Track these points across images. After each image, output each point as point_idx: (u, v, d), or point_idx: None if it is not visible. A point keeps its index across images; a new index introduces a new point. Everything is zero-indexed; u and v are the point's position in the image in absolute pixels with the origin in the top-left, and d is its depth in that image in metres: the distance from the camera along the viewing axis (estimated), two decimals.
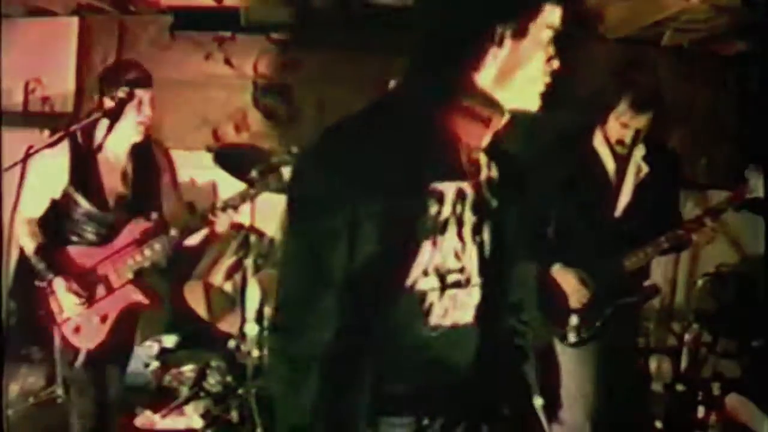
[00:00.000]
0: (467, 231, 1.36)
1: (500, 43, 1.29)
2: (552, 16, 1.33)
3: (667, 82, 4.41)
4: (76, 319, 2.70)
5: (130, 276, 2.69)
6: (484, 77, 1.32)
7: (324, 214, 1.28)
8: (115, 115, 2.62)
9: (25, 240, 2.73)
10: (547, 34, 1.34)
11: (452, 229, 1.34)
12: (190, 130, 4.32)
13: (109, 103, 2.65)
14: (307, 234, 1.31)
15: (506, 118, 1.39)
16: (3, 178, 2.11)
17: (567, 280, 2.79)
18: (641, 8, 3.77)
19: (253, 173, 3.34)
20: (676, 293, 4.41)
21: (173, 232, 2.67)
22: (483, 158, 1.40)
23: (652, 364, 3.79)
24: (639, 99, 2.68)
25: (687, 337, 3.91)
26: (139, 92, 2.67)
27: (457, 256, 1.35)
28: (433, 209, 1.31)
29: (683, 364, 3.83)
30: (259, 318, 3.43)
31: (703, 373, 3.78)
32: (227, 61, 4.41)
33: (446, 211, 1.33)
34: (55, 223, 2.74)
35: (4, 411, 2.22)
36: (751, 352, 3.64)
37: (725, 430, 3.32)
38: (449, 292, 1.35)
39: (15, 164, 2.29)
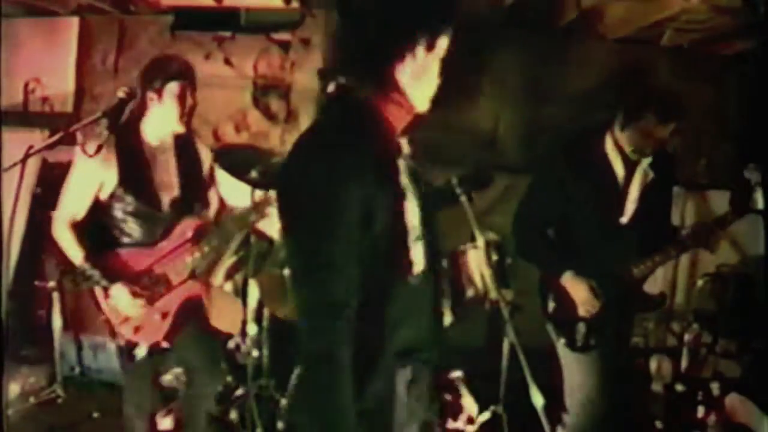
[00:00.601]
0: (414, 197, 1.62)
1: (415, 52, 1.58)
2: (444, 42, 1.62)
3: (667, 82, 4.42)
4: (136, 319, 2.68)
5: (188, 273, 2.72)
6: (403, 75, 1.59)
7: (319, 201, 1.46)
8: (116, 115, 2.59)
9: (71, 250, 2.66)
10: (441, 54, 1.63)
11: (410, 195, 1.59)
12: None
13: (152, 96, 2.65)
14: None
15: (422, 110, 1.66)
16: (3, 178, 2.11)
17: (577, 289, 2.76)
18: (641, 8, 3.77)
19: (253, 173, 3.35)
20: (676, 293, 4.40)
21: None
22: (403, 140, 1.67)
23: (652, 364, 3.79)
24: (664, 110, 2.66)
25: (687, 337, 3.91)
26: (183, 84, 2.67)
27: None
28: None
29: (683, 364, 3.83)
30: (259, 318, 3.43)
31: (703, 373, 3.78)
32: (227, 61, 4.41)
33: (404, 180, 1.59)
34: (99, 226, 2.70)
35: (4, 411, 2.20)
36: (751, 352, 3.64)
37: (725, 430, 3.32)
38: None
39: (15, 164, 2.29)
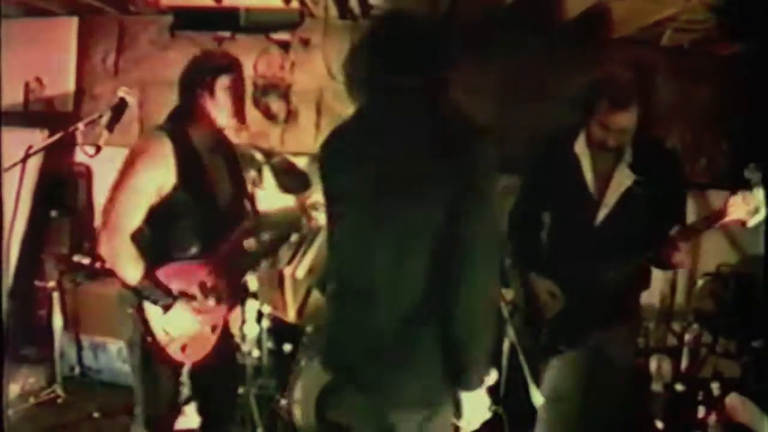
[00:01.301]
0: None
1: None
2: None
3: (667, 82, 4.42)
4: (184, 337, 2.46)
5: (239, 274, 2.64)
6: None
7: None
8: (116, 115, 2.53)
9: (129, 267, 2.36)
10: None
11: None
12: None
13: (202, 92, 2.50)
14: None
15: None
16: (3, 178, 2.11)
17: (539, 290, 2.70)
18: (641, 8, 3.77)
19: (252, 172, 3.35)
20: (676, 293, 4.41)
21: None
22: None
23: (652, 364, 3.78)
24: (617, 95, 2.46)
25: (687, 337, 3.91)
26: (233, 77, 2.54)
27: None
28: None
29: (683, 364, 3.83)
30: (259, 318, 3.44)
31: (703, 373, 3.78)
32: None
33: None
34: (156, 238, 2.43)
35: (4, 411, 2.18)
36: (751, 352, 3.64)
37: (725, 430, 3.32)
38: None
39: (15, 164, 2.29)
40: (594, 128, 2.54)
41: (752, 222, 2.31)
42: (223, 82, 2.52)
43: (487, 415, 1.94)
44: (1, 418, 2.18)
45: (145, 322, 2.40)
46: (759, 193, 2.29)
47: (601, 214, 2.60)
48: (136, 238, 2.36)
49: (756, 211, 2.28)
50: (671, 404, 3.60)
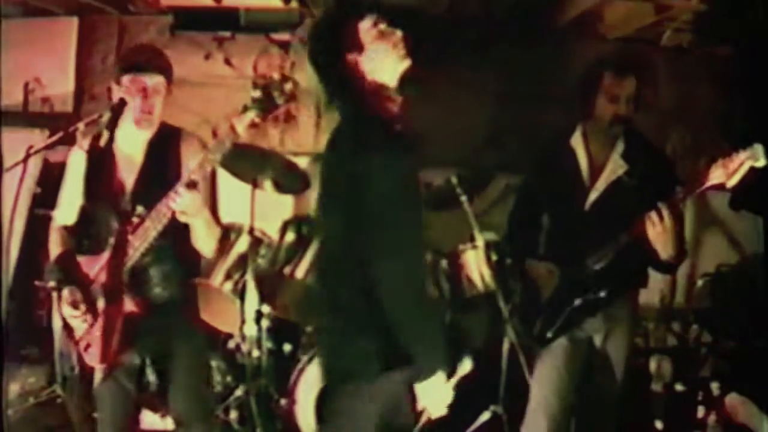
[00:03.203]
0: None
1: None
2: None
3: (667, 82, 4.43)
4: (86, 336, 2.46)
5: (126, 280, 2.40)
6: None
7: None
8: (117, 114, 2.47)
9: (52, 247, 2.56)
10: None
11: None
12: (190, 130, 4.31)
13: (117, 91, 2.44)
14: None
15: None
16: (3, 178, 2.11)
17: (535, 270, 2.80)
18: (641, 8, 3.77)
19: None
20: (676, 293, 4.41)
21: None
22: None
23: (652, 364, 3.78)
24: (620, 63, 2.69)
25: (687, 337, 3.91)
26: (146, 79, 2.45)
27: None
28: None
29: (683, 364, 3.83)
30: (259, 318, 3.43)
31: (703, 373, 3.79)
32: (227, 61, 4.41)
33: None
34: (83, 232, 2.53)
35: (4, 411, 2.18)
36: (751, 352, 3.64)
37: (725, 430, 3.32)
38: None
39: (15, 164, 2.29)
40: (605, 106, 2.68)
41: (731, 182, 2.39)
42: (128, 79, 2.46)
43: (448, 399, 1.94)
44: (1, 418, 2.18)
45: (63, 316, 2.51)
46: (741, 154, 2.38)
47: (591, 197, 2.72)
48: (71, 229, 2.56)
49: (735, 171, 2.37)
50: (671, 404, 3.60)
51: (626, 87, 2.67)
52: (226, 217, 4.32)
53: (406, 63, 1.97)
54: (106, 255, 2.41)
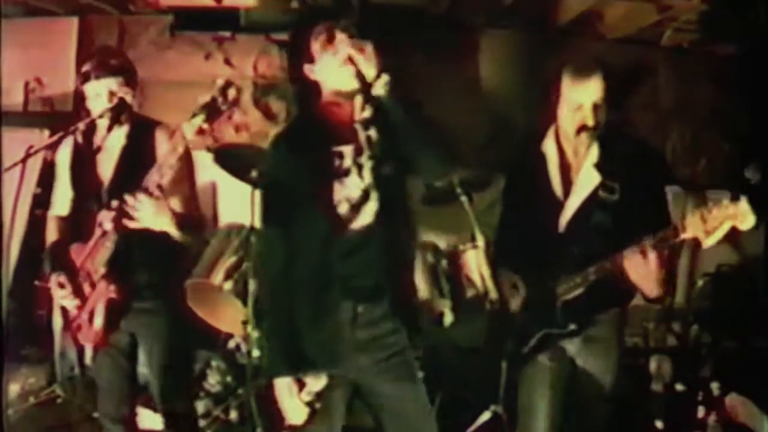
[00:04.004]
0: (366, 170, 2.07)
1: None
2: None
3: (667, 82, 4.43)
4: (77, 319, 2.63)
5: (104, 270, 2.53)
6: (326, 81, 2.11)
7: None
8: (117, 114, 2.55)
9: (48, 236, 2.72)
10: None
11: (354, 172, 2.06)
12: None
13: (91, 104, 2.58)
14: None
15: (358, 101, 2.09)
16: (3, 178, 2.11)
17: (503, 282, 2.60)
18: (641, 8, 3.77)
19: (253, 173, 3.35)
20: (676, 293, 4.40)
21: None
22: (358, 126, 2.10)
23: (652, 364, 3.78)
24: (577, 66, 2.33)
25: (687, 337, 3.91)
26: (107, 82, 2.55)
27: (358, 186, 2.06)
28: (337, 163, 2.06)
29: (683, 364, 3.83)
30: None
31: (703, 373, 3.78)
32: (227, 61, 4.41)
33: (347, 162, 2.06)
34: (75, 222, 2.68)
35: (4, 411, 2.20)
36: (751, 352, 3.64)
37: (725, 430, 3.32)
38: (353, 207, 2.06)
39: (15, 164, 2.29)
40: (569, 115, 2.35)
41: (707, 243, 2.13)
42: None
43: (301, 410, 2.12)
44: (1, 418, 2.19)
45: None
46: (722, 209, 2.11)
47: (564, 218, 2.40)
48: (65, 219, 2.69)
49: (715, 230, 2.11)
50: (671, 404, 3.60)
51: (590, 92, 2.29)
52: (226, 217, 4.36)
53: (371, 71, 1.98)
54: (90, 244, 2.56)
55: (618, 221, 2.31)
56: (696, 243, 2.17)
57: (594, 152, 2.37)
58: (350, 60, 1.98)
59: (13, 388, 3.80)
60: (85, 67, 2.60)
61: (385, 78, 1.98)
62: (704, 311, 4.02)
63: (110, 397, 2.73)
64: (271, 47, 4.43)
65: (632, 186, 2.33)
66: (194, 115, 2.35)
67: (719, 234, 2.11)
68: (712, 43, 4.14)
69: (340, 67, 2.01)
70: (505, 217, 2.69)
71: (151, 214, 2.44)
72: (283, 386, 2.08)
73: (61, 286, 2.57)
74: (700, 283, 4.17)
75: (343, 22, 2.07)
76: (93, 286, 2.57)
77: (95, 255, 2.55)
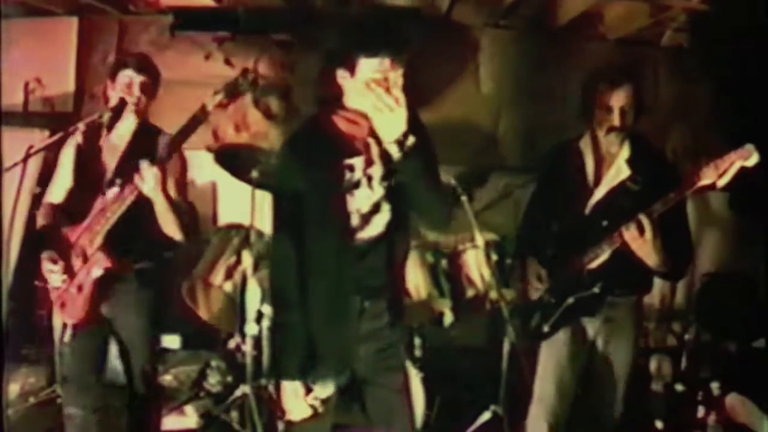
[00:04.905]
0: (376, 182, 2.11)
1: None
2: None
3: (667, 82, 4.43)
4: (62, 294, 2.74)
5: (101, 241, 2.66)
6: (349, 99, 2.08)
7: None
8: (117, 114, 2.61)
9: (39, 219, 2.85)
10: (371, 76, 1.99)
11: (364, 184, 2.10)
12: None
13: (111, 92, 2.74)
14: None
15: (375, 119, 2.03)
16: (3, 178, 2.11)
17: (529, 271, 2.84)
18: (641, 8, 3.77)
19: (253, 173, 3.35)
20: (676, 293, 4.41)
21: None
22: (371, 140, 2.10)
23: (652, 364, 3.79)
24: (613, 75, 2.67)
25: (687, 337, 3.91)
26: (132, 74, 2.74)
27: (369, 198, 2.11)
28: (348, 176, 2.09)
29: (683, 364, 3.83)
30: (259, 318, 3.43)
31: (703, 373, 3.79)
32: (227, 61, 4.41)
33: (357, 174, 2.09)
34: (69, 208, 2.81)
35: (4, 411, 2.21)
36: (751, 352, 3.64)
37: (725, 430, 3.32)
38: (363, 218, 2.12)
39: (15, 164, 2.29)
40: (600, 115, 2.68)
41: (721, 182, 2.42)
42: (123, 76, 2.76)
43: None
44: (1, 418, 2.19)
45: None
46: (732, 154, 2.40)
47: (592, 200, 2.71)
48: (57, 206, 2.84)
49: (725, 171, 2.40)
50: (671, 404, 3.60)
51: (619, 98, 2.64)
52: (226, 217, 4.36)
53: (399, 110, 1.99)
54: (86, 222, 2.69)
55: (638, 205, 2.56)
56: (707, 190, 2.49)
57: (626, 150, 2.70)
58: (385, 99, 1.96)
59: (13, 388, 3.80)
60: (127, 58, 2.86)
61: (411, 140, 1.98)
62: (704, 311, 4.02)
63: (74, 385, 2.86)
64: (271, 47, 4.43)
65: (653, 179, 2.65)
66: (216, 93, 2.59)
67: (730, 174, 2.40)
68: (712, 43, 4.14)
69: (372, 94, 1.97)
70: (533, 206, 3.00)
71: (151, 183, 2.57)
72: (291, 388, 2.12)
73: (53, 261, 2.68)
74: (700, 283, 4.17)
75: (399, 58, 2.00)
76: (86, 260, 2.69)
77: (93, 228, 2.67)
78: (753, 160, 2.37)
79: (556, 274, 2.77)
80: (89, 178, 2.76)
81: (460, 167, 3.62)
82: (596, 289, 2.65)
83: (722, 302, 4.01)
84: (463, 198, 3.48)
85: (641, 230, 2.48)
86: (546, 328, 2.74)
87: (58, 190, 2.85)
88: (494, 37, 4.40)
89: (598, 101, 2.67)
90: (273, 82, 4.46)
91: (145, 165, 2.55)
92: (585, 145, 2.78)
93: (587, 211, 2.72)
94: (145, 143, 2.78)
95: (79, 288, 2.71)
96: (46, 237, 2.79)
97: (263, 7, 4.15)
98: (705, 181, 2.45)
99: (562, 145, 2.89)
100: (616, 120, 2.64)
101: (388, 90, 1.96)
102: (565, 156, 2.83)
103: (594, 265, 2.66)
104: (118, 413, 2.93)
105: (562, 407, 2.72)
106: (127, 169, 2.67)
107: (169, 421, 3.45)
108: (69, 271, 2.71)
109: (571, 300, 2.69)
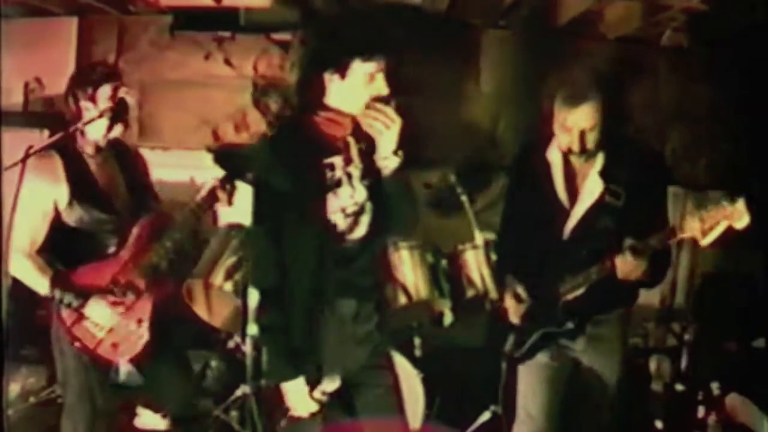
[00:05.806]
0: (356, 180, 2.11)
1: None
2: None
3: (667, 82, 4.43)
4: (112, 335, 2.63)
5: (150, 274, 2.65)
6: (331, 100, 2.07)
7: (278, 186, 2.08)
8: (116, 115, 2.59)
9: (36, 280, 2.60)
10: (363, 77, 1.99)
11: (345, 182, 2.09)
12: (190, 130, 4.32)
13: (86, 104, 2.60)
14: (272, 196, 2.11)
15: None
16: (3, 178, 2.11)
17: (507, 291, 2.66)
18: (641, 8, 3.77)
19: (249, 175, 3.34)
20: (676, 293, 4.41)
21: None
22: (350, 139, 2.11)
23: (652, 364, 3.79)
24: (571, 92, 2.39)
25: (687, 337, 3.91)
26: (115, 86, 2.62)
27: (352, 197, 2.10)
28: (329, 174, 2.08)
29: (683, 364, 3.83)
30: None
31: (703, 373, 3.79)
32: (227, 61, 4.41)
33: (338, 173, 2.08)
34: (62, 245, 2.63)
35: (4, 411, 2.20)
36: (751, 352, 3.64)
37: (725, 430, 3.32)
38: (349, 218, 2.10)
39: (15, 164, 2.29)
40: (559, 135, 2.44)
41: (704, 242, 2.25)
42: (104, 92, 2.60)
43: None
44: (1, 418, 2.18)
45: (68, 330, 2.59)
46: (720, 209, 2.22)
47: (569, 225, 2.49)
48: (44, 249, 2.59)
49: (711, 229, 2.24)
50: (671, 404, 3.60)
51: (578, 119, 2.34)
52: (226, 217, 4.35)
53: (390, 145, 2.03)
54: (122, 256, 2.64)
55: (622, 224, 2.38)
56: (695, 243, 2.26)
57: (599, 161, 2.45)
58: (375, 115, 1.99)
59: (13, 388, 3.79)
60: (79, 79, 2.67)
61: (401, 155, 2.02)
62: (704, 311, 4.02)
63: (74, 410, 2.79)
64: (271, 47, 4.43)
65: (636, 189, 2.41)
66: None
67: (716, 233, 2.20)
68: (712, 43, 4.14)
69: (361, 98, 2.01)
70: (507, 221, 2.77)
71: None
72: (293, 385, 2.12)
73: (115, 304, 2.60)
74: (700, 283, 4.17)
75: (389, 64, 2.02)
76: (138, 293, 2.64)
77: (137, 262, 2.64)
78: (743, 222, 2.17)
79: (531, 301, 2.58)
80: (96, 199, 2.63)
81: (460, 167, 3.62)
82: (570, 325, 2.49)
83: (722, 302, 4.01)
84: (463, 198, 3.48)
85: (638, 260, 2.28)
86: (519, 354, 2.60)
87: (34, 234, 2.58)
88: (494, 37, 4.40)
89: (558, 122, 2.41)
90: (273, 82, 4.46)
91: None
92: (554, 157, 2.52)
93: (564, 236, 2.50)
94: (125, 156, 2.80)
95: (139, 321, 2.66)
96: (64, 289, 2.59)
97: (263, 7, 4.14)
98: (687, 234, 2.26)
99: (527, 153, 2.67)
100: (575, 144, 2.37)
101: (380, 99, 1.99)
102: (531, 166, 2.58)
103: (570, 297, 2.47)
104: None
105: (551, 425, 2.57)
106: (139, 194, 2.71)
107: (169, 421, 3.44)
108: (126, 308, 2.63)
109: (542, 332, 2.54)
